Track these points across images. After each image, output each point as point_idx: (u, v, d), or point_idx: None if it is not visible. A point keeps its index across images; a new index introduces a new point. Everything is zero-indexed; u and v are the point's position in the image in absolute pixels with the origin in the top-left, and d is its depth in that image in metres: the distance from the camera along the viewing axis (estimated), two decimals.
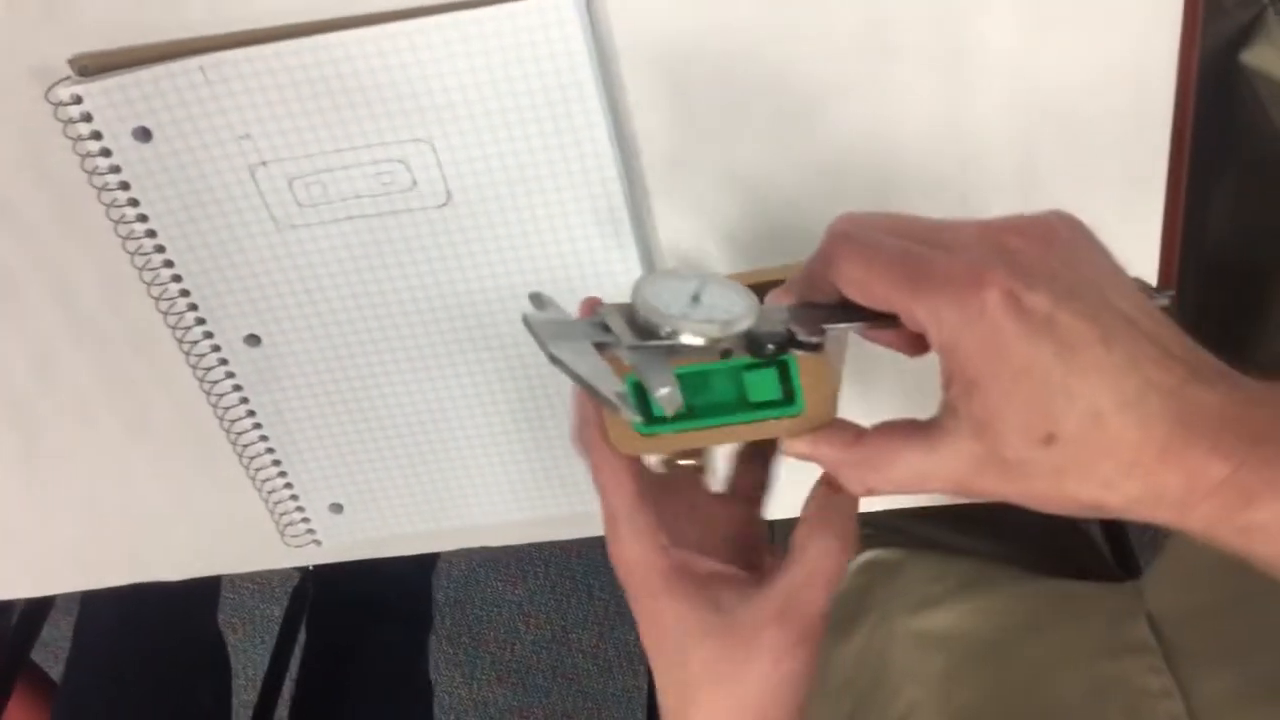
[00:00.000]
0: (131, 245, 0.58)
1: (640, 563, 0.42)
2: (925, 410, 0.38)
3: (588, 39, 0.51)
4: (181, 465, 0.68)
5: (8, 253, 0.60)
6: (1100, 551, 0.89)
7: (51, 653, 1.81)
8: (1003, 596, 0.70)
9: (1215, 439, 0.34)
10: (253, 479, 0.67)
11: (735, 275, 0.45)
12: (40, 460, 0.69)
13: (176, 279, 0.59)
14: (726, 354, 0.40)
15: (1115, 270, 0.37)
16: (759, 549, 0.47)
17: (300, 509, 0.69)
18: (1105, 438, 0.34)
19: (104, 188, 0.56)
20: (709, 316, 0.39)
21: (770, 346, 0.39)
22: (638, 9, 0.52)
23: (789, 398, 0.41)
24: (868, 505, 0.68)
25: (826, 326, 0.39)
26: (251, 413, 0.64)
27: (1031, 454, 0.35)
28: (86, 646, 1.11)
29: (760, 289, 0.45)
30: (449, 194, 0.56)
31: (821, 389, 0.41)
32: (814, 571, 0.41)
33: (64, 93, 0.53)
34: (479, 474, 0.67)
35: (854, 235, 0.38)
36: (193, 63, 0.53)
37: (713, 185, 0.57)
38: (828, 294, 0.39)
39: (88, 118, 0.54)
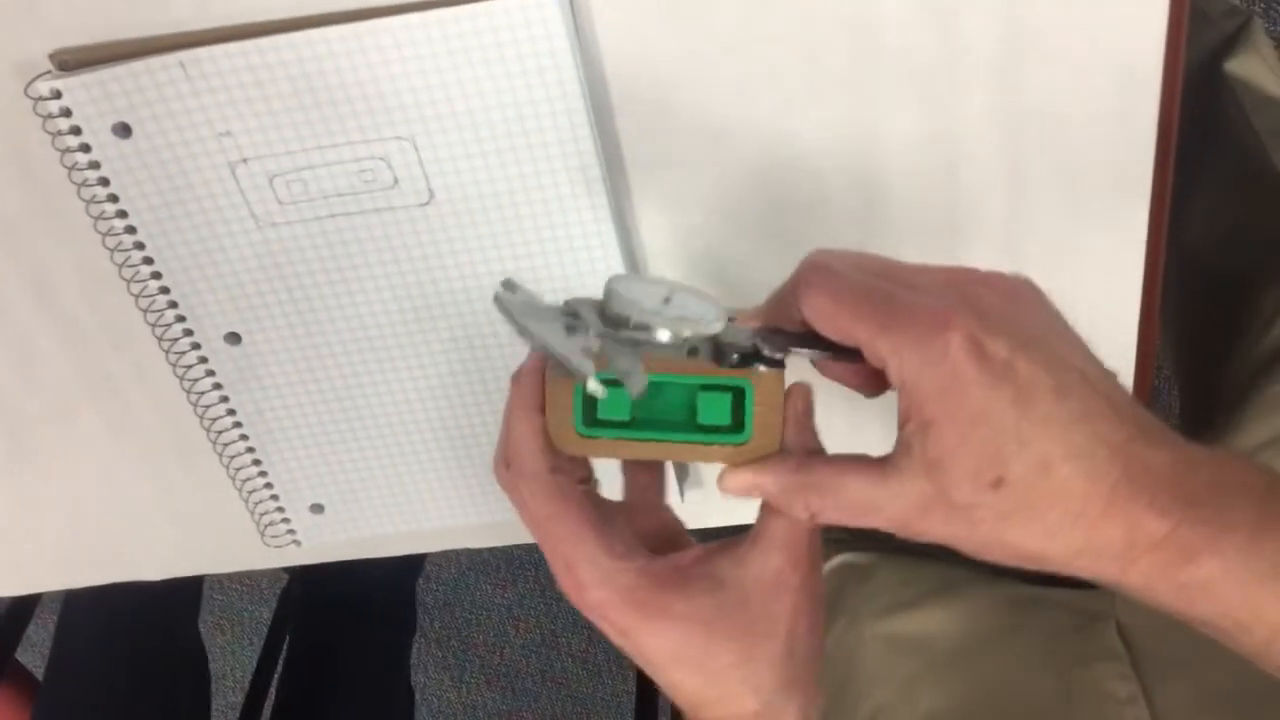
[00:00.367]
0: (111, 242, 0.58)
1: (621, 590, 0.40)
2: (876, 448, 0.39)
3: (571, 37, 0.51)
4: (162, 465, 0.68)
5: None
6: None
7: (38, 652, 1.81)
8: (973, 601, 0.70)
9: (1154, 496, 0.35)
10: (233, 479, 0.67)
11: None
12: (20, 459, 0.68)
13: (156, 276, 0.59)
14: (693, 352, 0.40)
15: (1072, 332, 0.39)
16: (683, 534, 0.47)
17: (280, 509, 0.68)
18: (1052, 486, 0.35)
19: (83, 184, 0.56)
20: (682, 315, 0.39)
21: (735, 356, 0.40)
22: (621, 7, 0.52)
23: (737, 425, 0.41)
24: None
25: (792, 349, 0.40)
26: (232, 412, 0.64)
27: (979, 498, 0.35)
28: (67, 652, 1.11)
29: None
30: (431, 192, 0.56)
31: (770, 422, 0.41)
32: (791, 540, 0.42)
33: (43, 87, 0.53)
34: (461, 474, 0.66)
35: (825, 267, 0.38)
36: (173, 58, 0.52)
37: (695, 185, 0.56)
38: (794, 322, 0.39)
39: (67, 113, 0.54)
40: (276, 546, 0.70)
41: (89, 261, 0.59)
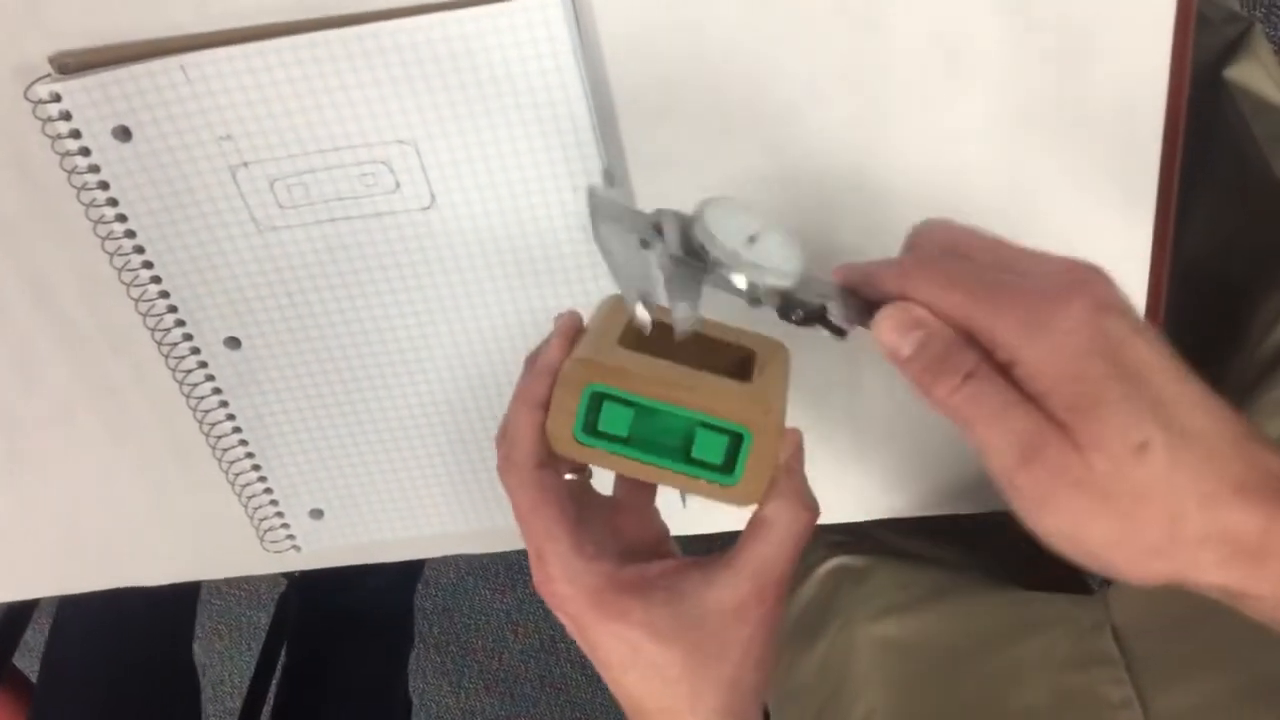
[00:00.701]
0: (110, 246, 0.58)
1: (586, 589, 0.41)
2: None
3: (574, 40, 0.51)
4: (161, 469, 0.68)
5: None
6: (1068, 564, 0.89)
7: (36, 657, 1.80)
8: (968, 606, 0.70)
9: None
10: (232, 484, 0.66)
11: (708, 323, 0.47)
12: (18, 463, 0.68)
13: (156, 280, 0.59)
14: (756, 302, 0.41)
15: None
16: (666, 541, 0.48)
17: (280, 514, 0.68)
18: (1191, 457, 0.34)
19: (83, 187, 0.56)
20: (759, 262, 0.39)
21: (799, 314, 0.40)
22: (624, 10, 0.51)
23: (728, 467, 0.42)
24: (839, 515, 0.68)
25: (864, 324, 0.40)
26: (231, 416, 0.64)
27: (1122, 465, 0.34)
28: (59, 661, 1.10)
29: (716, 347, 0.46)
30: (433, 196, 0.56)
31: (760, 473, 0.41)
32: (784, 540, 0.42)
33: (43, 90, 0.53)
34: (461, 480, 0.66)
35: (938, 246, 0.40)
36: (173, 61, 0.52)
37: (699, 187, 0.56)
38: (879, 291, 0.40)
39: (67, 116, 0.53)
40: (276, 552, 0.70)
41: (88, 265, 0.59)
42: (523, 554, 0.71)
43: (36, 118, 0.54)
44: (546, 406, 0.42)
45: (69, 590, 0.75)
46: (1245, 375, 0.70)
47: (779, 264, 0.40)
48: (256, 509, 0.68)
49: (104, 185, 0.55)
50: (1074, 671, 0.65)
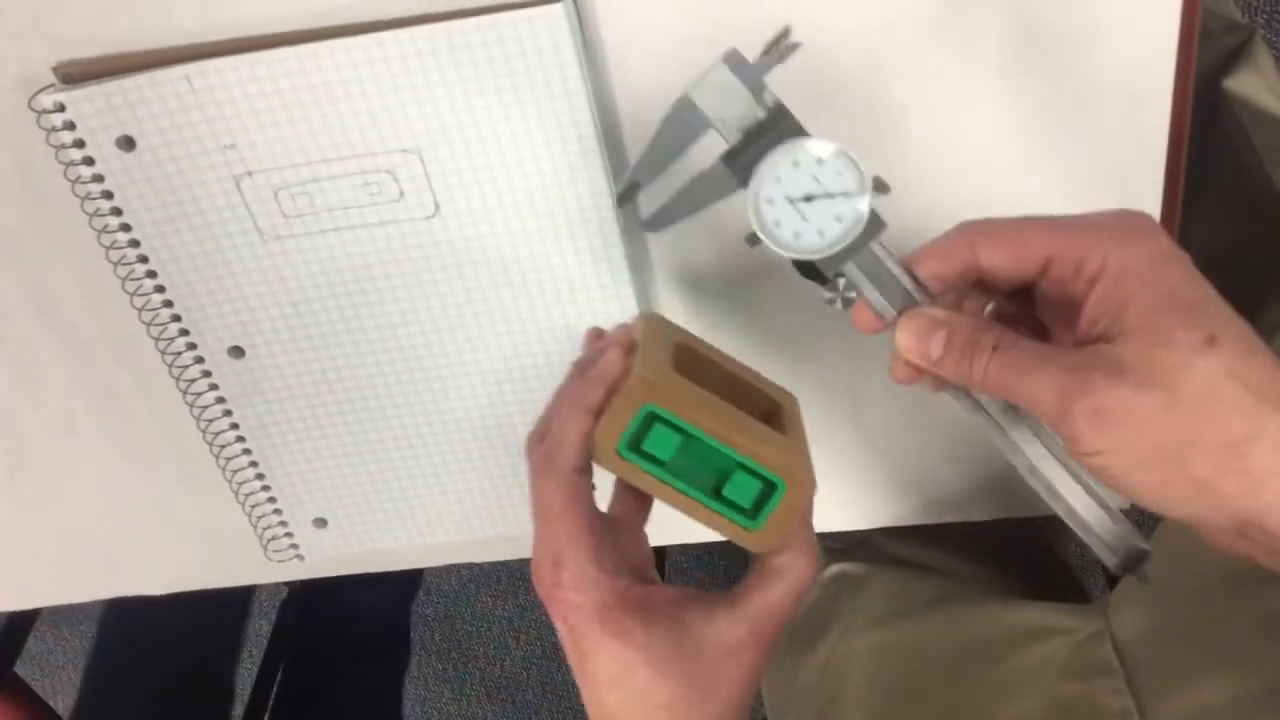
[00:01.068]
0: (115, 255, 0.58)
1: (596, 602, 0.41)
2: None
3: (578, 49, 0.51)
4: (164, 478, 0.68)
5: None
6: (1070, 572, 0.89)
7: (37, 665, 1.80)
8: (967, 614, 0.70)
9: None
10: (235, 492, 0.66)
11: (733, 361, 0.48)
12: (21, 471, 0.68)
13: (160, 290, 0.59)
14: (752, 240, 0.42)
15: None
16: (651, 565, 0.48)
17: (284, 523, 0.68)
18: (1258, 358, 0.36)
19: (87, 197, 0.56)
20: (773, 222, 0.41)
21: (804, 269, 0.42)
22: (628, 19, 0.51)
23: (754, 513, 0.42)
24: (839, 523, 0.68)
25: (895, 338, 0.42)
26: (235, 425, 0.64)
27: (1191, 357, 0.35)
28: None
29: (743, 388, 0.47)
30: (437, 205, 0.56)
31: (783, 527, 0.42)
32: (791, 589, 0.43)
33: (47, 100, 0.53)
34: (465, 489, 0.66)
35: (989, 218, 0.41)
36: (177, 71, 0.52)
37: None
38: (950, 264, 0.41)
39: (71, 126, 0.53)
40: (279, 561, 0.70)
41: (92, 274, 0.59)
42: (525, 562, 0.71)
43: (40, 127, 0.54)
44: (598, 414, 0.43)
45: (71, 600, 0.75)
46: None
47: (798, 234, 0.41)
48: (260, 518, 0.68)
49: (108, 195, 0.55)
50: (1073, 681, 0.65)
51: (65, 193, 0.56)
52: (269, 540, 0.69)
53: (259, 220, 0.56)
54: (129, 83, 0.52)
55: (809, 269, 0.43)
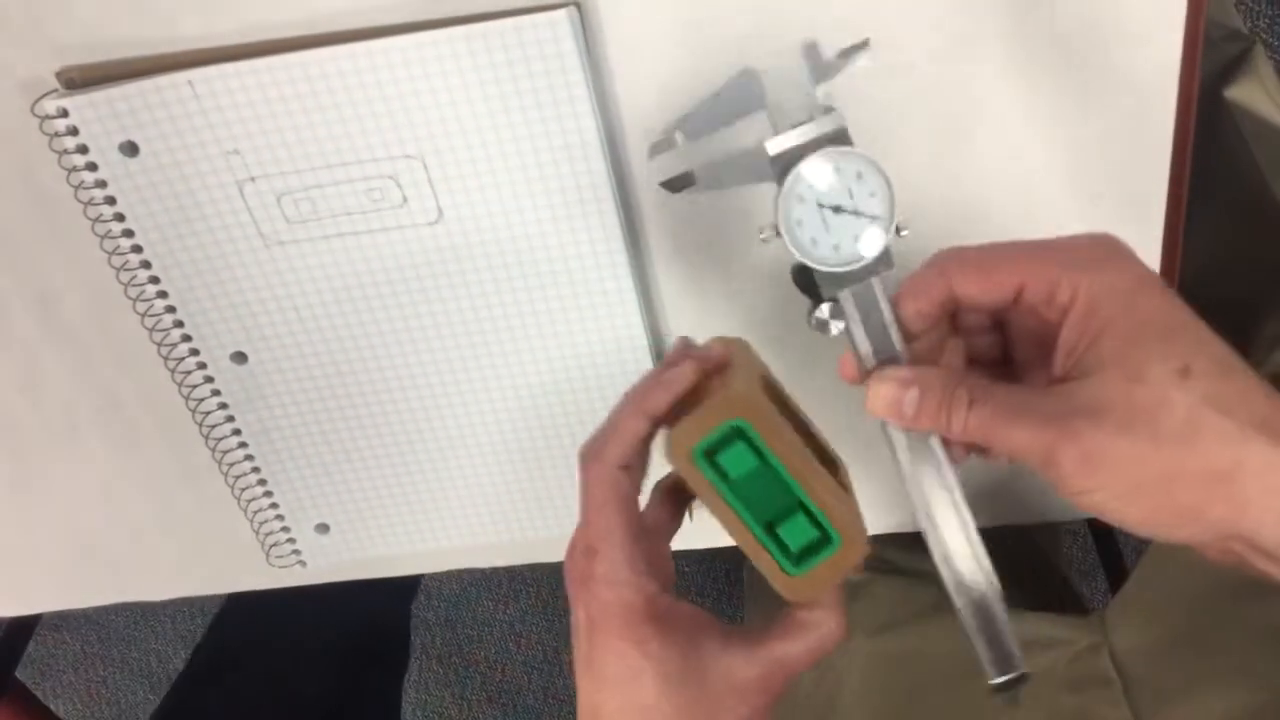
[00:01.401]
0: (117, 261, 0.57)
1: (623, 601, 0.41)
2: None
3: (581, 55, 0.51)
4: (166, 484, 0.67)
5: None
6: (1068, 584, 0.89)
7: (37, 669, 1.80)
8: None
9: None
10: (238, 498, 0.66)
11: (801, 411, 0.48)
12: (23, 477, 0.68)
13: (162, 295, 0.58)
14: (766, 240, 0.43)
15: None
16: (672, 581, 0.47)
17: (286, 529, 0.68)
18: (1236, 386, 0.36)
19: (90, 202, 0.55)
20: (797, 222, 0.41)
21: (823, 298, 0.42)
22: (632, 25, 0.51)
23: (799, 559, 0.42)
24: None
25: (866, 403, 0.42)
26: (237, 431, 0.63)
27: (1167, 388, 0.35)
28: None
29: (810, 437, 0.47)
30: (440, 211, 0.56)
31: (825, 580, 0.42)
32: (815, 648, 0.43)
33: (50, 105, 0.53)
34: (467, 495, 0.66)
35: (963, 247, 0.41)
36: (181, 77, 0.52)
37: (705, 197, 0.56)
38: (927, 298, 0.41)
39: (74, 131, 0.53)
40: (281, 567, 0.70)
41: (95, 280, 0.59)
42: (526, 567, 0.70)
43: (43, 133, 0.54)
44: (657, 421, 0.43)
45: (73, 605, 0.75)
46: None
47: (815, 241, 0.41)
48: (262, 524, 0.67)
49: (111, 200, 0.55)
50: (1071, 692, 0.65)
51: (68, 198, 0.56)
52: (271, 546, 0.68)
53: (262, 226, 0.56)
54: (132, 88, 0.52)
55: (808, 280, 0.43)
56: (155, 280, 0.58)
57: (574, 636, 0.43)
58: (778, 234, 0.42)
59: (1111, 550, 1.00)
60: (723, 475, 0.42)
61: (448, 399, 0.62)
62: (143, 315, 0.59)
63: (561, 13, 0.50)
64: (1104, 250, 0.39)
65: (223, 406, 0.62)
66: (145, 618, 1.78)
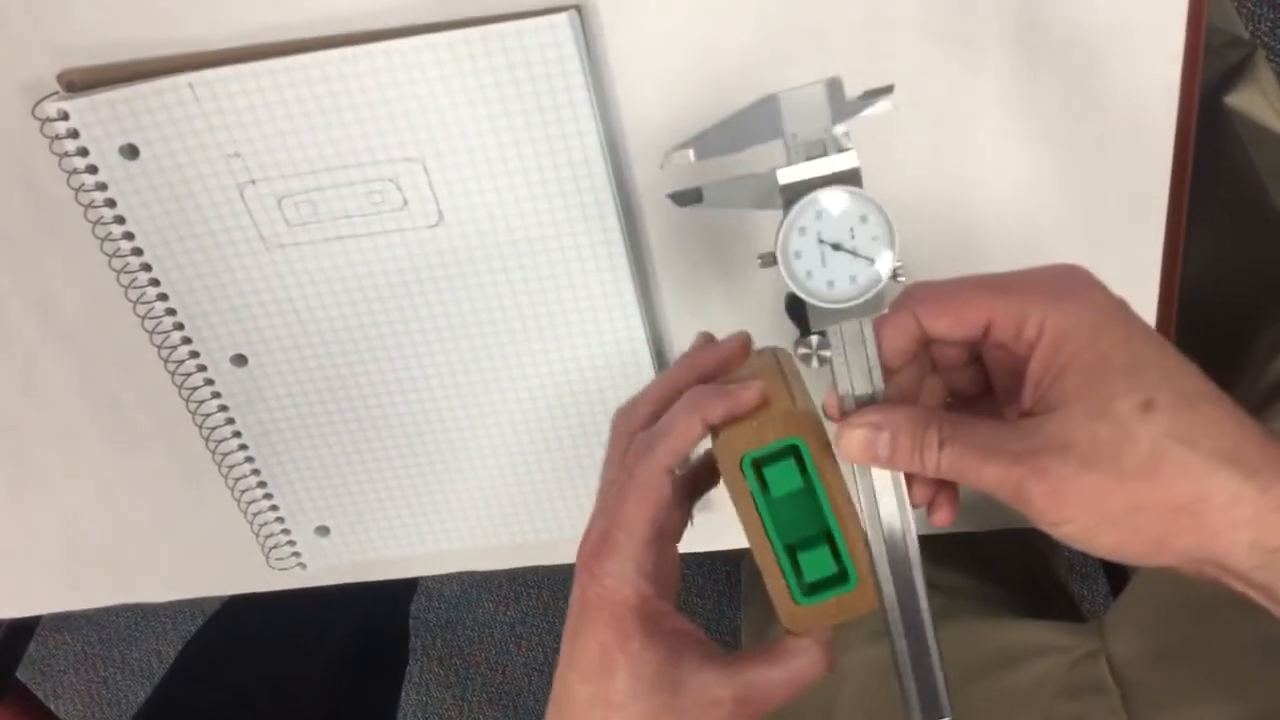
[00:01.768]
0: (117, 263, 0.57)
1: (620, 594, 0.42)
2: None
3: (583, 58, 0.51)
4: (166, 486, 0.67)
5: None
6: (1065, 591, 0.89)
7: (38, 669, 1.80)
8: (963, 632, 0.70)
9: None
10: (238, 500, 0.66)
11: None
12: (24, 479, 0.68)
13: (163, 298, 0.59)
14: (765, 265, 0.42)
15: None
16: (673, 592, 0.48)
17: (286, 531, 0.68)
18: (1201, 417, 0.36)
19: (90, 205, 0.55)
20: (795, 255, 0.41)
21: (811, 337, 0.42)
22: (634, 29, 0.51)
23: (809, 590, 0.42)
24: None
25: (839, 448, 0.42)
26: (238, 433, 0.64)
27: (1130, 422, 0.36)
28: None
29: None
30: (440, 214, 0.56)
31: (828, 615, 0.42)
32: (796, 678, 0.43)
33: (50, 108, 0.53)
34: (467, 497, 0.66)
35: (931, 282, 0.41)
36: (181, 80, 0.52)
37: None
38: (901, 336, 0.41)
39: (74, 134, 0.53)
40: (281, 569, 0.70)
41: (95, 282, 0.59)
42: (526, 569, 0.70)
43: (44, 135, 0.54)
44: (712, 429, 0.43)
45: (74, 607, 0.75)
46: (1244, 405, 0.69)
47: (810, 274, 0.41)
48: (262, 526, 0.67)
49: (111, 203, 0.55)
50: (1068, 700, 0.65)
51: (68, 201, 0.56)
52: (271, 548, 0.68)
53: (262, 229, 0.56)
54: (132, 91, 0.52)
55: (800, 312, 0.43)
56: (155, 283, 0.58)
57: (569, 613, 0.44)
58: (774, 262, 0.42)
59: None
60: (763, 486, 0.42)
61: (448, 402, 0.62)
62: (143, 317, 0.59)
63: (562, 16, 0.50)
64: (1070, 282, 0.39)
65: (223, 408, 0.62)
66: (145, 618, 1.78)
